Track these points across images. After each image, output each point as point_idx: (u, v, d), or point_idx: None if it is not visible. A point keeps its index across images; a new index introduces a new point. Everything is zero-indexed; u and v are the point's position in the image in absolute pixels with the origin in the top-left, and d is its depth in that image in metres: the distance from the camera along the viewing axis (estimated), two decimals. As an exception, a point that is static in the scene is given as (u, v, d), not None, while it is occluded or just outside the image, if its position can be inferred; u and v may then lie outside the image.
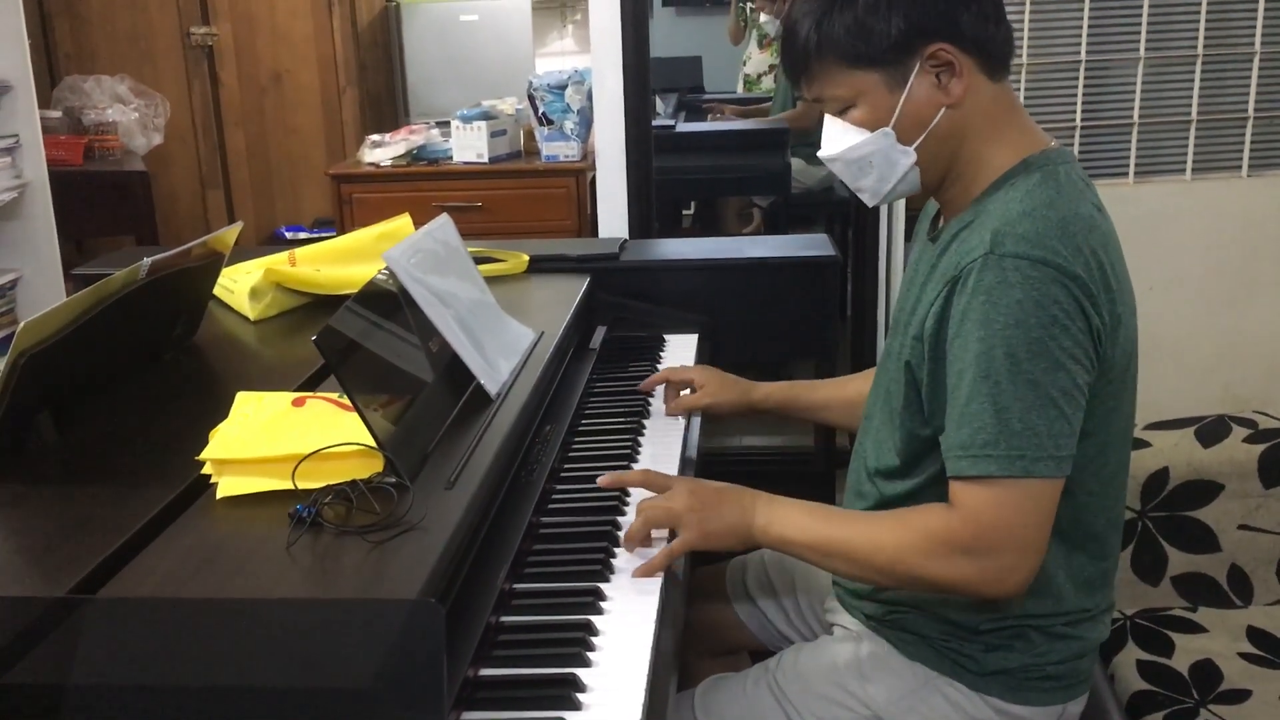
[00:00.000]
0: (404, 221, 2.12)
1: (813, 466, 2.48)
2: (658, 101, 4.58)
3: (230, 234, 1.76)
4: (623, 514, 1.45)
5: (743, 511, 1.36)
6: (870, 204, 1.42)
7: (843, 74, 1.31)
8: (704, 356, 2.09)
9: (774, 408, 1.80)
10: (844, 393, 1.75)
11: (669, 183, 3.78)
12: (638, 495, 1.47)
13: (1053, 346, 1.20)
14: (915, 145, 1.32)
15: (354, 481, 1.20)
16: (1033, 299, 1.19)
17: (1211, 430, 1.96)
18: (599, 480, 1.45)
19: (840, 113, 1.34)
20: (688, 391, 1.81)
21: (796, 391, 1.80)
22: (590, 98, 3.31)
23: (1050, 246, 1.21)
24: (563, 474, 1.58)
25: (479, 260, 1.92)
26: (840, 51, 1.30)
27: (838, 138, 1.35)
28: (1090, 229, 1.25)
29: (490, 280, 1.80)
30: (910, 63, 1.28)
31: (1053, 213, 1.24)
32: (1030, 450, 1.20)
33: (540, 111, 3.70)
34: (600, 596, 1.27)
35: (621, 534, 1.40)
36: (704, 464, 1.73)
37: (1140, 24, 2.80)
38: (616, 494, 1.51)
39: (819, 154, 1.39)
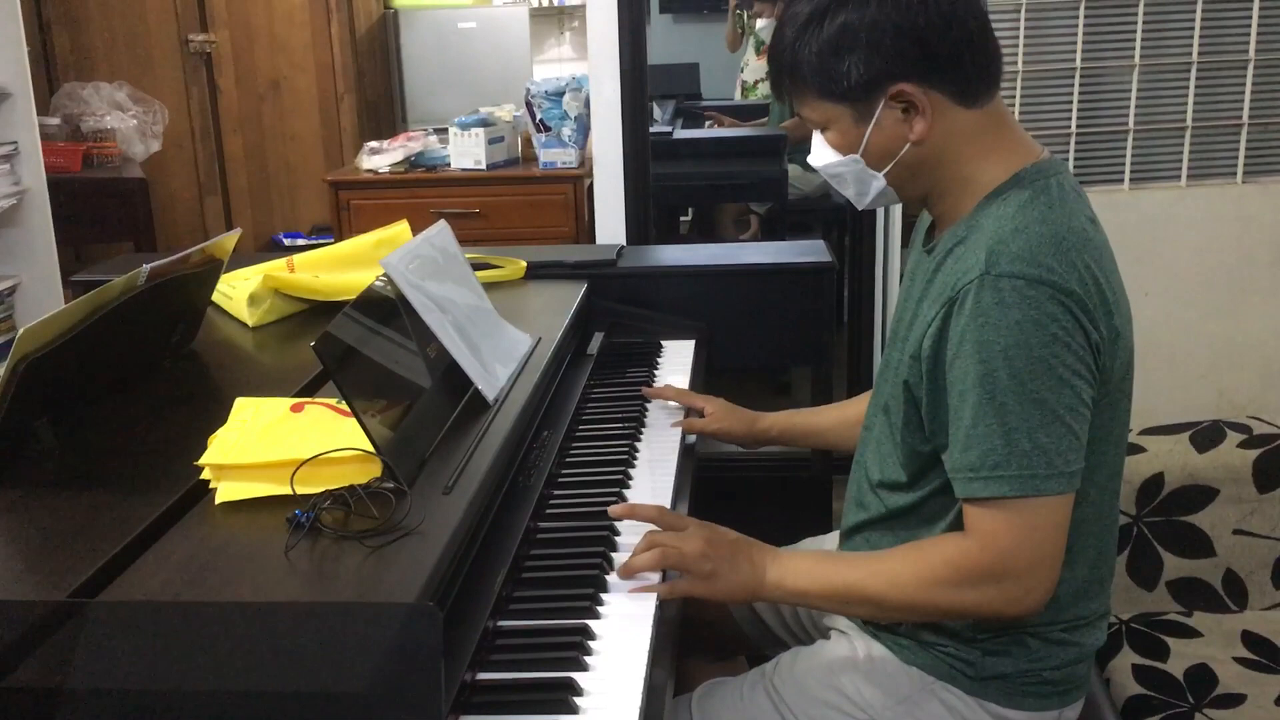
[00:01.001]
0: (402, 228, 2.13)
1: (809, 471, 2.48)
2: (655, 108, 4.59)
3: (229, 240, 1.76)
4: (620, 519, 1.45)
5: (753, 569, 1.34)
6: (859, 209, 1.45)
7: (814, 100, 1.33)
8: (700, 362, 2.10)
9: (779, 436, 1.80)
10: (846, 416, 1.75)
11: (666, 189, 3.80)
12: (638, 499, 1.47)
13: (1055, 364, 1.20)
14: (884, 172, 1.34)
15: (352, 486, 1.20)
16: (1031, 318, 1.20)
17: (1206, 435, 1.97)
18: (610, 510, 1.42)
19: (819, 131, 1.37)
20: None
21: (800, 419, 1.80)
22: (588, 104, 3.32)
23: (1045, 264, 1.21)
24: (560, 479, 1.59)
25: (477, 266, 1.93)
26: (808, 82, 1.32)
27: (819, 152, 1.38)
28: (1084, 243, 1.25)
29: (488, 286, 1.81)
30: (874, 100, 1.29)
31: (1046, 229, 1.24)
32: (1041, 469, 1.20)
33: (538, 118, 3.71)
34: (597, 601, 1.27)
35: (619, 539, 1.41)
36: (700, 469, 1.74)
37: (1135, 31, 2.82)
38: (614, 502, 1.52)
39: (808, 159, 1.41)
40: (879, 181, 1.35)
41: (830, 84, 1.30)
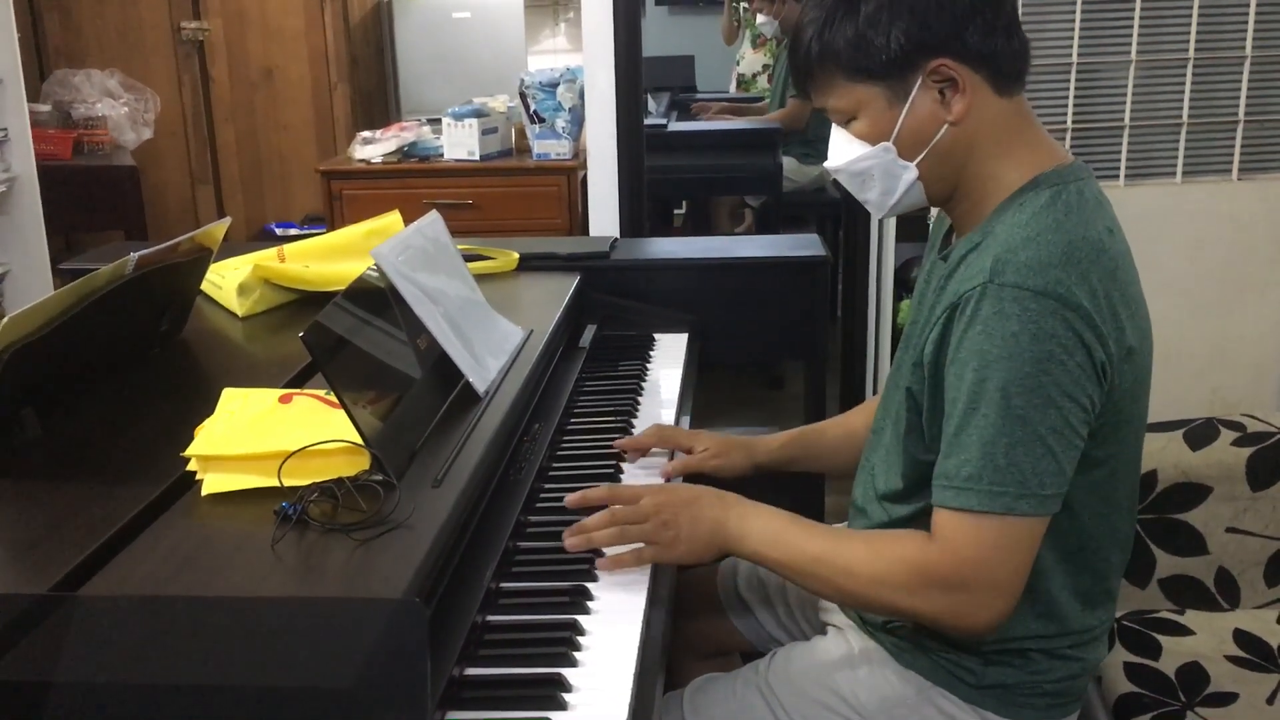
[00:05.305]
0: (393, 218, 2.11)
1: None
2: (650, 100, 4.57)
3: (218, 229, 1.75)
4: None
5: (715, 523, 1.32)
6: (876, 216, 1.40)
7: (844, 85, 1.29)
8: (693, 356, 2.09)
9: (783, 461, 1.70)
10: (852, 429, 1.65)
11: (660, 182, 3.79)
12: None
13: (1046, 382, 1.17)
14: (917, 161, 1.29)
15: (340, 479, 1.19)
16: (1029, 332, 1.16)
17: (1200, 433, 1.96)
18: (566, 500, 1.39)
19: (844, 124, 1.33)
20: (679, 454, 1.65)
21: (805, 440, 1.69)
22: (582, 96, 3.31)
23: (1052, 275, 1.18)
24: (551, 473, 1.57)
25: (469, 258, 1.92)
26: (840, 63, 1.27)
27: (842, 149, 1.33)
28: (1098, 254, 1.21)
29: (480, 278, 1.80)
30: (912, 78, 1.25)
31: (1058, 237, 1.20)
32: (1013, 487, 1.18)
33: (532, 109, 3.69)
34: (587, 596, 1.27)
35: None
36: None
37: (1132, 27, 2.81)
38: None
39: (825, 165, 1.37)
40: (910, 173, 1.30)
41: (865, 60, 1.25)
